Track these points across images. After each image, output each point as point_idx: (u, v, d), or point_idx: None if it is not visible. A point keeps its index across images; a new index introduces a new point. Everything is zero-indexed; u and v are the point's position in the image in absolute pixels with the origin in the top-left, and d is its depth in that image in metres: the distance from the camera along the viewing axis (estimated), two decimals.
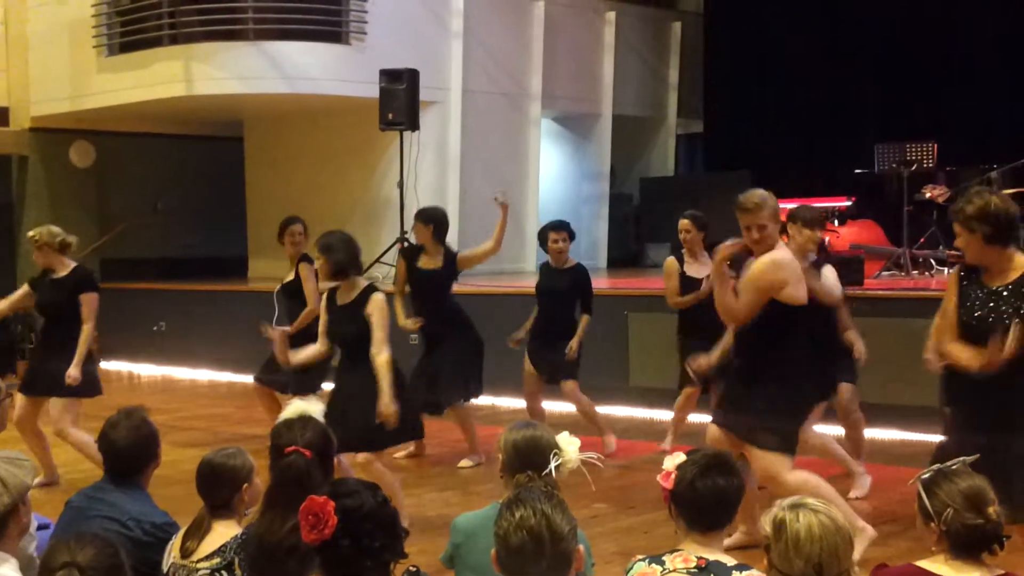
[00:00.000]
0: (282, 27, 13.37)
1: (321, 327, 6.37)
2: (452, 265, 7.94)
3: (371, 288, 6.19)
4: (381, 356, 5.97)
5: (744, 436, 5.38)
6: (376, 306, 6.05)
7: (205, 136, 16.37)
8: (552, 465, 3.58)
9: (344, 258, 6.18)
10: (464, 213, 14.00)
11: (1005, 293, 4.57)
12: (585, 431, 8.03)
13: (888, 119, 13.30)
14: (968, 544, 3.10)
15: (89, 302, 7.23)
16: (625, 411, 8.99)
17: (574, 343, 7.96)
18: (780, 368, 5.37)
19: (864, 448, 7.14)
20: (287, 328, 7.64)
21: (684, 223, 7.82)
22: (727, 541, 5.53)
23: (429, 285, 7.92)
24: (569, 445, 3.66)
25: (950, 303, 4.75)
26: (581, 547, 2.89)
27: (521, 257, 14.84)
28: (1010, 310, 4.52)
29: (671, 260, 7.89)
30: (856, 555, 5.06)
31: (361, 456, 6.12)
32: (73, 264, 7.37)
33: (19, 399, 7.36)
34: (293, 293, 8.17)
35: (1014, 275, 4.59)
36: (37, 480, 7.05)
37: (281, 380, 7.97)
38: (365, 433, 6.01)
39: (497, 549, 2.81)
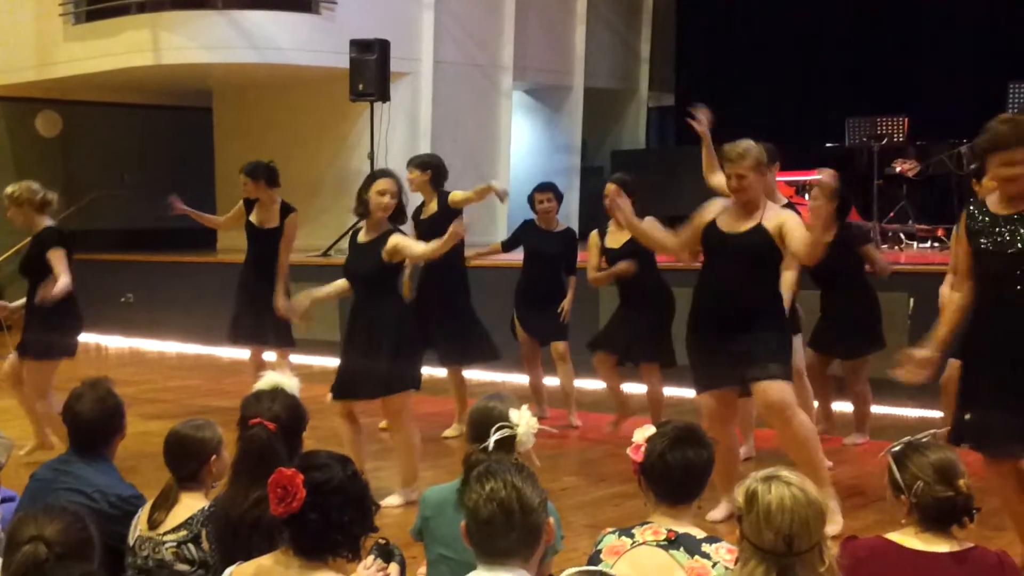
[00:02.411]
0: None
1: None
2: (448, 208, 7.68)
3: (392, 230, 6.12)
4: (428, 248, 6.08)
5: (757, 375, 5.39)
6: (396, 240, 6.01)
7: (173, 106, 16.23)
8: (491, 439, 3.56)
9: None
10: None
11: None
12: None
13: (859, 93, 13.31)
14: (938, 517, 3.11)
15: (55, 257, 6.96)
16: (595, 384, 8.96)
17: (567, 304, 7.91)
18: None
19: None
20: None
21: (609, 187, 7.50)
22: (715, 515, 5.56)
23: (433, 233, 7.69)
24: (521, 420, 3.64)
25: (962, 245, 4.66)
26: (551, 519, 2.88)
27: (491, 230, 14.78)
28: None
29: (594, 233, 7.76)
30: (833, 529, 5.15)
31: (396, 402, 6.11)
32: (48, 223, 7.13)
33: (11, 361, 7.24)
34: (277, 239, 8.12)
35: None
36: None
37: (261, 334, 8.01)
38: (384, 377, 6.02)
39: (467, 521, 2.80)
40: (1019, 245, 4.44)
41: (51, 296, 6.82)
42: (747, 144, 5.47)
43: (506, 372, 9.75)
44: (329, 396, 6.19)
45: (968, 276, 4.66)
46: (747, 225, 5.44)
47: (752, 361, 5.37)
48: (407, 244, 6.05)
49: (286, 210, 8.17)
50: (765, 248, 5.40)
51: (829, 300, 7.33)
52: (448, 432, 7.92)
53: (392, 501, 6.09)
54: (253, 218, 8.22)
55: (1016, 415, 4.43)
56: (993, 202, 4.58)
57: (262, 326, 8.01)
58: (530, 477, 2.83)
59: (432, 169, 7.77)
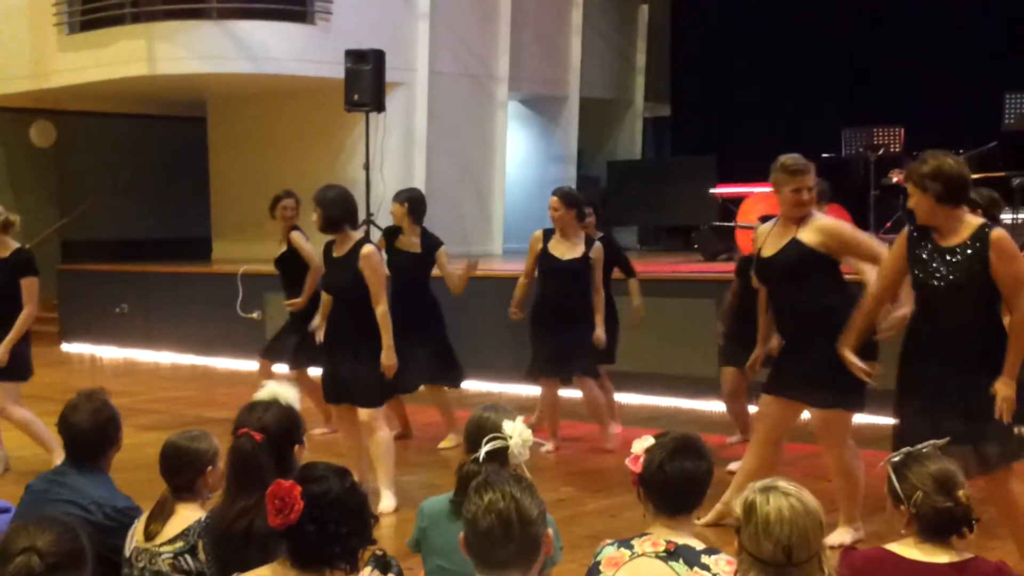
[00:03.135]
0: (246, 6, 13.25)
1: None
2: (430, 253, 7.79)
3: (363, 241, 6.29)
4: (379, 308, 6.14)
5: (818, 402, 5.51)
6: (366, 258, 6.14)
7: (168, 116, 16.23)
8: (483, 450, 3.55)
9: (337, 212, 6.26)
10: (430, 195, 13.76)
11: (958, 251, 4.67)
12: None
13: (855, 104, 13.34)
14: (938, 527, 3.11)
15: (29, 286, 7.07)
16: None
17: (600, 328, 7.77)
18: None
19: None
20: (297, 300, 8.00)
21: (552, 200, 7.52)
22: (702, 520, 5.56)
23: (406, 267, 7.83)
24: (515, 431, 3.63)
25: (895, 258, 4.92)
26: (550, 531, 2.86)
27: (488, 240, 14.83)
28: (961, 267, 4.64)
29: (537, 233, 7.71)
30: (844, 539, 5.16)
31: (364, 414, 6.24)
32: (15, 245, 7.15)
33: None
34: (288, 264, 8.24)
35: (966, 233, 4.69)
36: None
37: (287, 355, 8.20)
38: (364, 388, 6.19)
39: (466, 533, 2.78)
40: (937, 282, 4.70)
41: (5, 356, 7.02)
42: (800, 156, 5.55)
43: (504, 383, 9.75)
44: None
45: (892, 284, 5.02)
46: (784, 240, 5.50)
47: (814, 383, 5.45)
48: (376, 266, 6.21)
49: (291, 228, 8.35)
50: (809, 258, 5.46)
51: None
52: (444, 443, 7.90)
53: (387, 506, 6.18)
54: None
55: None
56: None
57: (284, 347, 8.26)
58: (529, 488, 2.81)
59: (409, 202, 7.83)
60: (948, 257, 4.68)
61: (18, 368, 7.14)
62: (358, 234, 6.37)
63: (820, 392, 5.44)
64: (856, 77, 13.91)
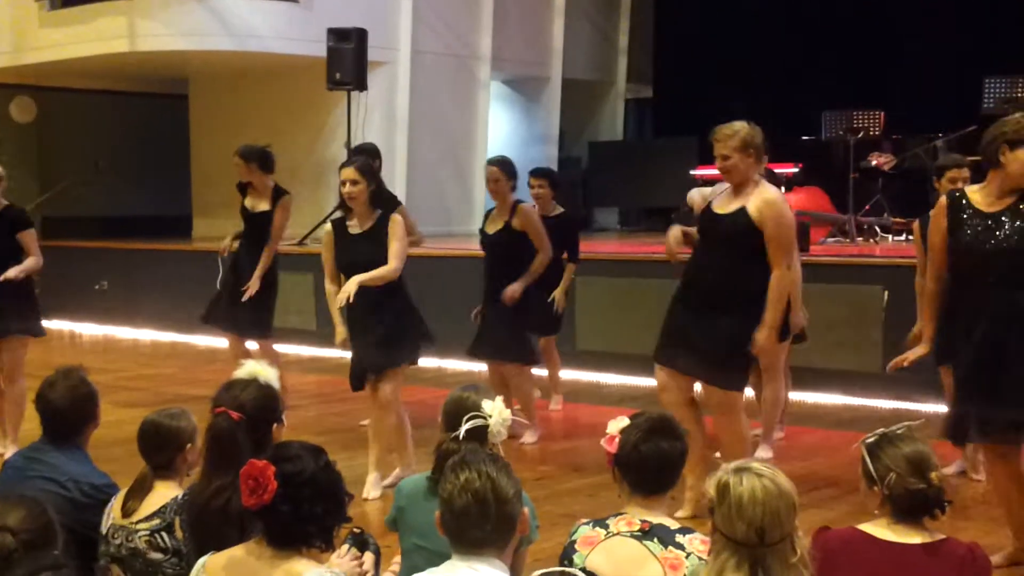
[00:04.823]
0: None
1: (329, 268, 6.23)
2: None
3: (387, 212, 6.14)
4: (392, 263, 5.97)
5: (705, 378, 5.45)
6: (396, 224, 6.03)
7: (149, 93, 16.14)
8: (462, 428, 3.57)
9: (377, 184, 6.14)
10: (411, 174, 13.95)
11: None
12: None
13: (835, 87, 13.34)
14: (910, 508, 3.13)
15: (31, 238, 6.89)
16: (572, 375, 8.99)
17: (559, 294, 7.71)
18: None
19: (785, 411, 7.18)
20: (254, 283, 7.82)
21: (491, 170, 7.27)
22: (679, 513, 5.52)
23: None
24: (494, 411, 3.65)
25: (937, 236, 4.72)
26: (526, 510, 2.89)
27: (469, 220, 14.79)
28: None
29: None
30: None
31: (385, 390, 6.10)
32: (5, 203, 6.96)
33: None
34: (263, 223, 8.07)
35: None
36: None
37: (233, 321, 8.04)
38: (384, 353, 6.05)
39: (441, 511, 2.80)
40: (1000, 242, 4.53)
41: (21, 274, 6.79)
42: (739, 125, 5.41)
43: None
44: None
45: (943, 265, 4.74)
46: (733, 207, 5.40)
47: (703, 358, 5.39)
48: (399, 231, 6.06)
49: (279, 193, 8.14)
50: (744, 232, 5.34)
51: None
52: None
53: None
54: (247, 202, 8.19)
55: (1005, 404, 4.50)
56: (976, 197, 4.63)
57: (235, 314, 7.99)
58: (505, 467, 2.83)
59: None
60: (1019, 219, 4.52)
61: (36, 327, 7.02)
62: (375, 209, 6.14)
63: (718, 374, 5.39)
64: (837, 60, 13.92)
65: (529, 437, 7.32)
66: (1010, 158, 4.55)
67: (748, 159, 5.38)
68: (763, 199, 5.34)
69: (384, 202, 6.34)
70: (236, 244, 8.15)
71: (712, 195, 5.73)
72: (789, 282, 5.43)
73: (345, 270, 6.09)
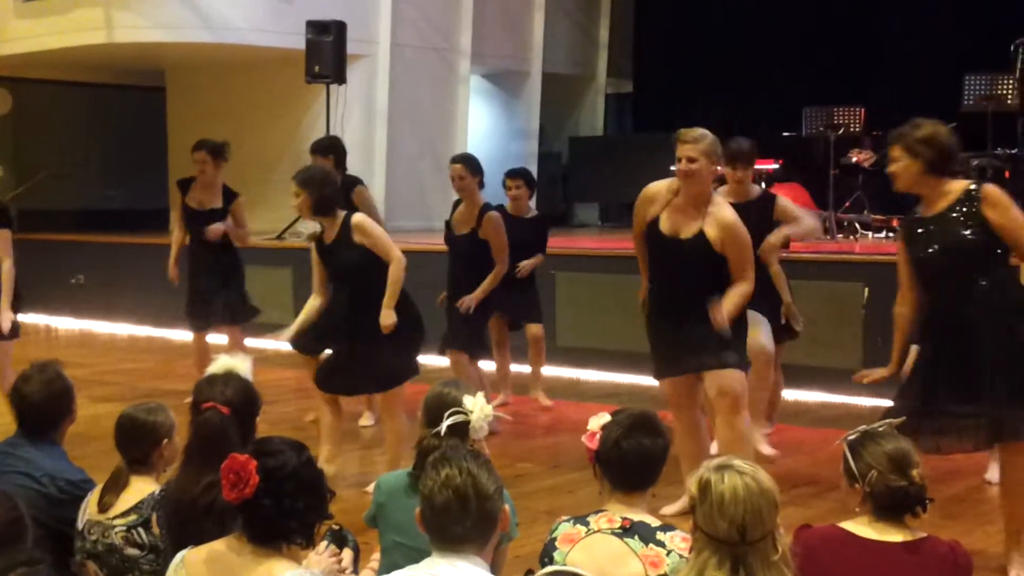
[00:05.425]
0: None
1: (318, 280, 6.12)
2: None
3: (349, 215, 5.99)
4: (395, 256, 5.86)
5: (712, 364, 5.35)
6: (359, 226, 5.87)
7: (126, 85, 16.03)
8: (444, 424, 3.55)
9: (330, 191, 6.01)
10: (391, 169, 13.90)
11: (953, 216, 4.57)
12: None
13: (816, 83, 13.36)
14: (891, 506, 3.13)
15: (3, 240, 6.67)
16: (552, 371, 8.97)
17: (526, 264, 7.68)
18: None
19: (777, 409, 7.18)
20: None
21: (456, 167, 7.19)
22: (670, 509, 5.48)
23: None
24: (475, 406, 3.63)
25: (903, 254, 4.77)
26: (507, 507, 2.87)
27: (448, 214, 14.76)
28: (963, 231, 4.54)
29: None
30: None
31: (382, 398, 6.10)
32: None
33: None
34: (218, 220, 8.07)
35: (953, 196, 4.59)
36: None
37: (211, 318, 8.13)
38: (382, 372, 5.94)
39: (422, 508, 2.79)
40: (931, 249, 4.60)
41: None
42: (704, 130, 5.35)
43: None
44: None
45: (911, 286, 4.78)
46: (691, 229, 5.27)
47: (706, 349, 5.32)
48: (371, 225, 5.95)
49: (230, 194, 8.08)
50: (705, 256, 5.27)
51: None
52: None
53: None
54: (191, 201, 8.12)
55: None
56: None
57: (210, 312, 8.03)
58: (486, 464, 2.82)
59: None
60: (947, 224, 4.57)
61: (15, 326, 6.82)
62: (341, 212, 6.03)
63: (720, 355, 5.31)
64: (818, 56, 13.94)
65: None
66: (896, 163, 4.70)
67: (712, 167, 5.34)
68: (720, 224, 5.24)
69: (339, 198, 6.19)
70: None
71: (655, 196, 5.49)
72: (750, 292, 5.35)
73: (332, 280, 6.06)
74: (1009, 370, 4.52)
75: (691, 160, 5.24)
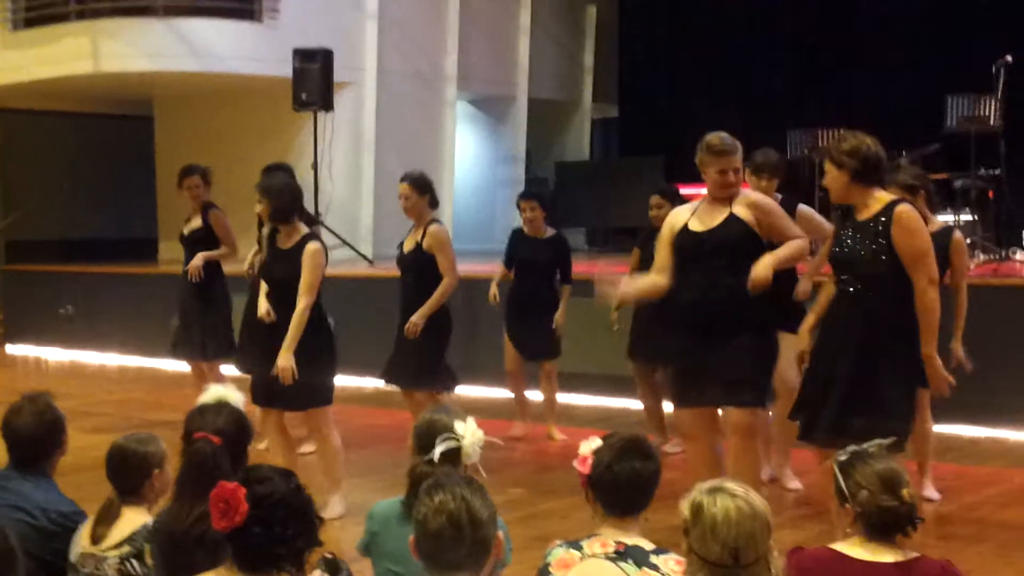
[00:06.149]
0: (193, 4, 13.16)
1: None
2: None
3: (310, 236, 6.08)
4: (301, 301, 5.89)
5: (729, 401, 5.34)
6: (309, 254, 5.95)
7: (113, 115, 16.04)
8: (437, 450, 3.54)
9: (288, 201, 6.09)
10: (379, 195, 13.91)
11: (869, 225, 4.83)
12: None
13: (800, 105, 13.46)
14: (882, 526, 3.13)
15: None
16: (539, 395, 8.96)
17: (559, 317, 7.74)
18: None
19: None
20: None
21: (402, 187, 6.96)
22: None
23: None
24: (467, 431, 3.63)
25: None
26: (500, 533, 2.87)
27: None
28: (866, 242, 4.81)
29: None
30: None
31: (313, 416, 6.11)
32: None
33: None
34: (203, 241, 8.14)
35: (876, 207, 4.83)
36: None
37: (192, 348, 8.14)
38: (296, 390, 5.95)
39: (416, 535, 2.78)
40: (838, 249, 4.95)
41: None
42: (731, 138, 5.37)
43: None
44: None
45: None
46: (722, 216, 5.29)
47: (727, 381, 5.23)
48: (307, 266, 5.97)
49: (208, 206, 8.21)
50: (744, 238, 5.26)
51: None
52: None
53: (335, 511, 6.08)
54: (184, 229, 8.27)
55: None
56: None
57: (191, 340, 8.06)
58: (479, 490, 2.81)
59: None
60: (861, 232, 4.84)
61: None
62: (304, 227, 6.16)
63: (743, 394, 5.25)
64: (802, 79, 14.04)
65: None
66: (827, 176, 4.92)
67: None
68: (747, 203, 5.31)
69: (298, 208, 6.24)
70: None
71: (679, 213, 5.54)
72: (801, 248, 5.36)
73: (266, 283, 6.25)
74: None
75: (736, 171, 5.35)
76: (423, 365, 6.94)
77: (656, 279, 5.47)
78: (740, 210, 5.29)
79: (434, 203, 7.03)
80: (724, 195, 5.32)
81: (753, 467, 5.33)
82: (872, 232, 4.81)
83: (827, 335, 4.99)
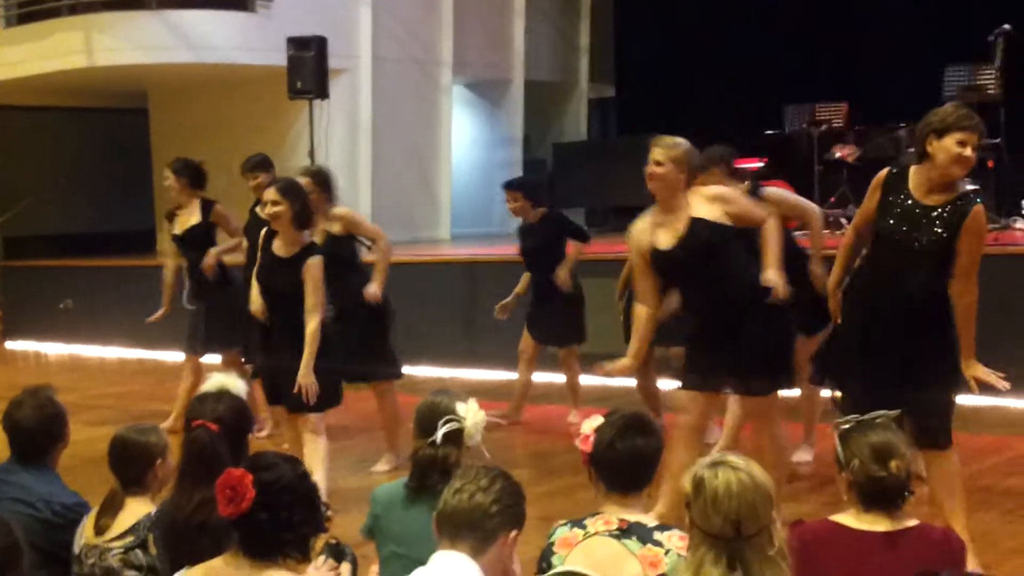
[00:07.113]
0: None
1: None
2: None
3: (312, 248, 5.89)
4: (310, 324, 5.74)
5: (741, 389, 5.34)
6: (311, 270, 5.76)
7: (108, 108, 16.01)
8: (439, 432, 3.55)
9: (308, 207, 5.89)
10: (376, 181, 13.91)
11: (940, 212, 4.56)
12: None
13: (798, 80, 13.42)
14: (873, 496, 3.14)
15: None
16: (543, 377, 8.94)
17: (562, 271, 7.65)
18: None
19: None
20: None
21: (304, 181, 6.44)
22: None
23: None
24: (468, 413, 3.63)
25: (871, 204, 4.77)
26: (512, 534, 2.90)
27: (435, 225, 14.79)
28: (940, 231, 4.54)
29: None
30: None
31: (305, 420, 6.01)
32: None
33: None
34: (202, 239, 8.08)
35: (951, 196, 4.58)
36: None
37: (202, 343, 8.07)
38: (295, 395, 5.87)
39: (437, 515, 2.82)
40: (925, 239, 4.57)
41: None
42: (679, 140, 5.23)
43: (452, 368, 9.75)
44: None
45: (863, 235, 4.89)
46: (683, 225, 5.14)
47: (741, 370, 5.19)
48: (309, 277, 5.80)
49: (208, 203, 8.10)
50: (715, 233, 5.14)
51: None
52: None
53: None
54: (175, 229, 8.16)
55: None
56: (916, 187, 4.64)
57: (196, 335, 8.05)
58: (503, 479, 2.88)
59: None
60: (927, 214, 4.58)
61: None
62: (306, 235, 5.94)
63: (756, 381, 5.20)
64: (799, 53, 13.99)
65: (383, 465, 6.91)
66: (936, 147, 4.54)
67: (680, 175, 5.17)
68: (704, 199, 5.18)
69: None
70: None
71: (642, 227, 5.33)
72: (776, 229, 5.27)
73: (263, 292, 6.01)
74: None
75: (657, 163, 5.15)
76: (373, 354, 6.95)
77: (645, 317, 5.33)
78: (701, 210, 5.15)
79: (332, 199, 6.86)
80: (652, 188, 5.22)
81: (772, 446, 5.24)
82: (937, 219, 4.55)
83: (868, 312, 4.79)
